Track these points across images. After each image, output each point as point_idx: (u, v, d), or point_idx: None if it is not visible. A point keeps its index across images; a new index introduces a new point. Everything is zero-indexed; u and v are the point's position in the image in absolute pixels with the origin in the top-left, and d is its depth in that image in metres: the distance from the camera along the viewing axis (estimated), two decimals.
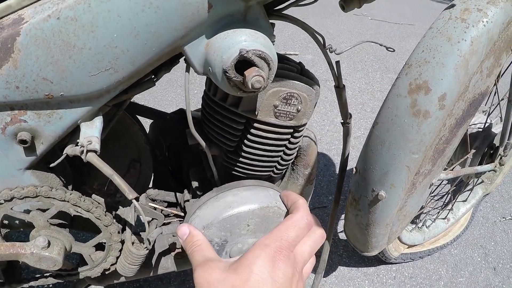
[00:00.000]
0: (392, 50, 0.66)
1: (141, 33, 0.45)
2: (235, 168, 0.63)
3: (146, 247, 0.59)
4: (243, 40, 0.45)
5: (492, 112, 1.15)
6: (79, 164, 0.66)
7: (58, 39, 0.45)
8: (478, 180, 1.29)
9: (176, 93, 2.15)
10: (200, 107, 0.65)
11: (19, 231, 0.66)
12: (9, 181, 0.57)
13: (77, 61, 0.46)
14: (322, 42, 0.60)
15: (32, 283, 0.67)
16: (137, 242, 0.61)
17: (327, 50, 0.61)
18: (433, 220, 1.25)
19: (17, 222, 0.61)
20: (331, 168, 1.69)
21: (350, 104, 2.17)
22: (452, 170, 1.08)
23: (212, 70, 0.47)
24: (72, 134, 0.56)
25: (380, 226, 0.86)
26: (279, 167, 0.66)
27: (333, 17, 3.44)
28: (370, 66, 2.70)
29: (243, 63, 0.45)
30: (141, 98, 2.01)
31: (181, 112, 0.72)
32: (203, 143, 0.56)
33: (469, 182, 1.27)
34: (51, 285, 0.69)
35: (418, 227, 1.22)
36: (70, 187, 0.62)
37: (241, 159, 0.62)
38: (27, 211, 0.58)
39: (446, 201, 1.30)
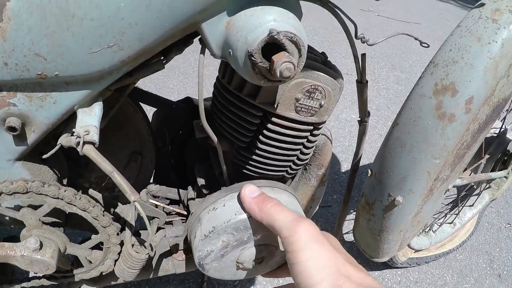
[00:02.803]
0: (426, 45, 0.61)
1: (154, 4, 0.38)
2: (247, 166, 0.58)
3: (148, 253, 0.53)
4: (272, 19, 0.39)
5: (506, 117, 1.11)
6: (76, 155, 0.60)
7: (55, 7, 0.38)
8: (486, 185, 1.25)
9: (178, 80, 2.05)
10: (212, 95, 0.58)
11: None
12: None
13: (75, 34, 0.39)
14: (354, 31, 0.54)
15: (24, 284, 0.61)
16: (138, 245, 0.55)
17: (359, 40, 0.55)
18: (439, 224, 1.21)
19: (7, 218, 0.55)
20: (336, 166, 1.64)
21: (355, 102, 2.12)
22: (468, 175, 1.03)
23: (233, 53, 0.41)
24: (68, 121, 0.49)
25: (394, 233, 0.82)
26: (294, 167, 0.61)
27: None
28: (376, 63, 2.65)
29: (269, 48, 0.39)
30: (141, 85, 1.92)
31: (188, 101, 0.66)
32: (214, 138, 0.50)
33: (477, 187, 1.24)
34: (44, 285, 0.63)
35: (425, 231, 1.18)
36: (65, 180, 0.56)
37: (254, 156, 0.56)
38: (18, 207, 0.52)
39: (452, 206, 1.26)
